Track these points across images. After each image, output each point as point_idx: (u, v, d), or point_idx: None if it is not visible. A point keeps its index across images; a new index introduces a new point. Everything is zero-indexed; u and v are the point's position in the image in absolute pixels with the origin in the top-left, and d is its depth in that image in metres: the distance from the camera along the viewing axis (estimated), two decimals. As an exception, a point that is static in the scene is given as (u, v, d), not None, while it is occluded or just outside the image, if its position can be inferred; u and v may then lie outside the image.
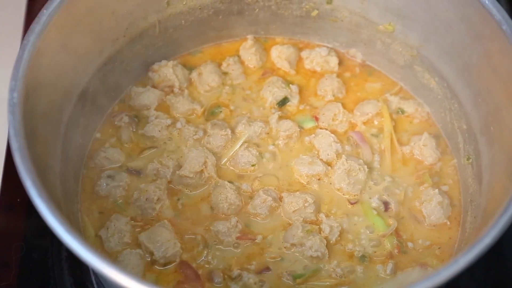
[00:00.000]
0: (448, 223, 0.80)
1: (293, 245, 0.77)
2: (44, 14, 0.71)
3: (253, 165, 0.83)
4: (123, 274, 0.57)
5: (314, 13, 0.89)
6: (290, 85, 0.89)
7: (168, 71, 0.88)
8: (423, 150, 0.84)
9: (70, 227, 0.59)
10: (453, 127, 0.84)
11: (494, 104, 0.75)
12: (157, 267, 0.76)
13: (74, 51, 0.77)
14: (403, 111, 0.88)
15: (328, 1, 0.87)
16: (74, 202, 0.80)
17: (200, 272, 0.76)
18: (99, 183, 0.81)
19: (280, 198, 0.81)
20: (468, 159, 0.82)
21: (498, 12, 0.72)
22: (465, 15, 0.76)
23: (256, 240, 0.79)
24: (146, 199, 0.80)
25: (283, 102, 0.88)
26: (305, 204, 0.79)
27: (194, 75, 0.90)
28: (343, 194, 0.82)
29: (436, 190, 0.80)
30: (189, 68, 0.91)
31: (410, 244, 0.79)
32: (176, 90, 0.89)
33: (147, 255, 0.77)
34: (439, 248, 0.79)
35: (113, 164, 0.84)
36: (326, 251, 0.77)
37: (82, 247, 0.59)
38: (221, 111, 0.89)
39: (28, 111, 0.67)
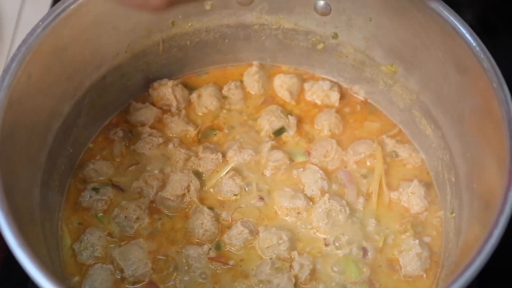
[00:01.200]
0: (425, 276, 0.79)
1: (260, 281, 0.77)
2: (39, 26, 0.73)
3: (235, 195, 0.83)
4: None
5: (320, 46, 0.89)
6: (289, 115, 0.89)
7: (167, 91, 0.89)
8: (411, 197, 0.82)
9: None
10: (443, 177, 0.83)
11: (479, 162, 0.74)
12: (126, 285, 0.77)
13: (69, 62, 0.79)
14: (397, 155, 0.87)
15: (334, 36, 0.87)
16: (55, 210, 0.81)
17: (167, 294, 0.78)
18: (83, 194, 0.83)
19: (257, 232, 0.81)
20: (452, 213, 0.80)
21: (492, 68, 0.71)
22: (461, 68, 0.75)
23: (229, 265, 0.79)
24: (125, 217, 0.81)
25: (279, 132, 0.89)
26: (279, 241, 0.79)
27: (193, 96, 0.91)
28: (320, 234, 0.81)
29: (417, 241, 0.79)
30: (192, 88, 0.92)
31: None
32: (173, 109, 0.90)
33: (117, 272, 0.78)
34: (413, 300, 0.78)
35: (101, 177, 0.85)
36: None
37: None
38: (215, 134, 0.89)
39: (11, 120, 0.69)
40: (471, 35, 0.73)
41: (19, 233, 0.62)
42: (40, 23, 0.73)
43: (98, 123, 0.88)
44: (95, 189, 0.83)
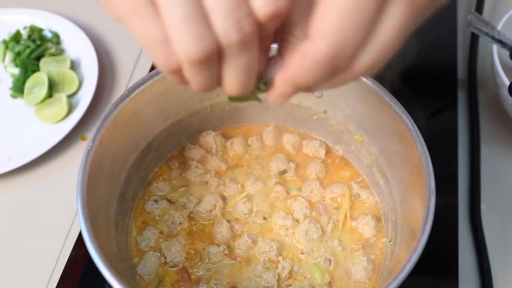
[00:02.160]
0: (367, 282, 0.77)
1: (254, 275, 0.77)
2: (126, 94, 0.75)
3: (245, 214, 0.83)
4: None
5: (315, 117, 0.88)
6: (291, 162, 0.88)
7: (210, 138, 0.89)
8: (365, 227, 0.81)
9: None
10: (388, 216, 0.81)
11: (410, 209, 0.73)
12: (167, 267, 0.78)
13: (145, 117, 0.80)
14: (359, 196, 0.85)
15: (324, 112, 0.86)
16: (127, 212, 0.82)
17: (192, 277, 0.78)
18: (147, 203, 0.84)
19: (257, 242, 0.80)
20: (390, 241, 0.79)
21: (422, 148, 0.70)
22: (403, 144, 0.74)
23: (236, 261, 0.79)
24: (172, 222, 0.81)
25: (283, 172, 0.88)
26: (270, 249, 0.78)
27: (228, 143, 0.91)
28: (299, 245, 0.80)
29: (365, 258, 0.77)
30: (227, 137, 0.92)
31: None
32: (213, 151, 0.90)
33: (162, 258, 0.78)
34: (358, 298, 0.77)
35: (160, 192, 0.86)
36: (276, 284, 0.76)
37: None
38: (239, 169, 0.89)
39: (99, 155, 0.71)
40: (411, 123, 0.72)
41: (93, 235, 0.64)
42: (127, 92, 0.75)
43: (163, 156, 0.89)
44: (156, 201, 0.84)
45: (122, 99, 0.75)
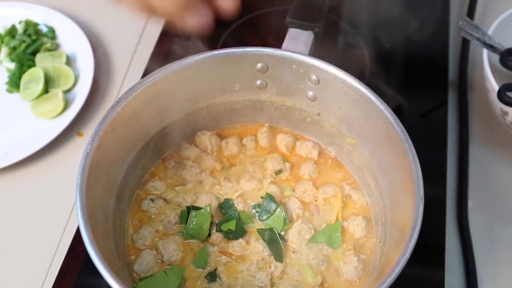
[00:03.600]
0: (358, 281, 0.79)
1: (248, 275, 0.79)
2: (123, 97, 0.77)
3: (238, 213, 0.85)
4: None
5: (309, 119, 0.90)
6: (286, 162, 0.90)
7: (205, 138, 0.91)
8: (356, 227, 0.83)
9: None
10: (378, 217, 0.83)
11: (400, 213, 0.75)
12: (163, 265, 0.80)
13: (142, 119, 0.82)
14: (351, 197, 0.87)
15: (318, 114, 0.88)
16: (124, 211, 0.84)
17: (189, 274, 0.80)
18: (144, 202, 0.86)
19: (250, 242, 0.82)
20: (379, 242, 0.81)
21: (412, 155, 0.72)
22: (394, 150, 0.76)
23: (232, 257, 0.81)
24: (168, 221, 0.83)
25: (278, 172, 0.89)
26: (264, 249, 0.81)
27: (223, 143, 0.92)
28: (291, 244, 0.82)
29: (356, 258, 0.80)
30: (222, 137, 0.93)
31: None
32: (208, 151, 0.91)
33: (159, 256, 0.80)
34: (348, 296, 0.79)
35: (156, 191, 0.87)
36: (269, 283, 0.78)
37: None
38: (232, 169, 0.90)
39: (97, 157, 0.73)
40: (402, 131, 0.74)
41: (91, 234, 0.66)
42: (124, 95, 0.77)
43: (159, 156, 0.90)
44: (152, 200, 0.86)
45: (119, 101, 0.76)
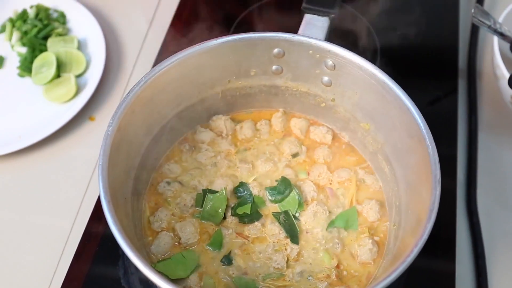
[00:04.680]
0: (372, 263, 0.81)
1: (264, 257, 0.80)
2: (142, 80, 0.77)
3: (255, 196, 0.86)
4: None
5: (323, 104, 0.91)
6: (302, 145, 0.91)
7: (220, 122, 0.92)
8: (369, 211, 0.84)
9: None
10: (392, 201, 0.84)
11: (415, 196, 0.77)
12: (181, 247, 0.81)
13: (159, 102, 0.82)
14: (364, 181, 0.88)
15: (332, 100, 0.89)
16: (141, 194, 0.85)
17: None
18: (160, 185, 0.86)
19: (266, 224, 0.83)
20: (394, 225, 0.82)
21: (429, 138, 0.73)
22: (410, 134, 0.77)
23: (249, 239, 0.82)
24: (184, 204, 0.84)
25: (295, 155, 0.90)
26: (280, 232, 0.82)
27: (237, 127, 0.93)
28: (307, 226, 0.83)
29: (370, 240, 0.81)
30: (237, 121, 0.94)
31: (344, 273, 0.80)
32: (223, 135, 0.92)
33: (176, 238, 0.81)
34: (362, 278, 0.80)
35: (172, 175, 0.88)
36: (285, 265, 0.79)
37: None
38: (247, 152, 0.91)
39: (117, 139, 0.73)
40: (419, 116, 0.75)
41: (114, 214, 0.67)
42: (143, 78, 0.77)
43: (175, 139, 0.91)
44: (168, 183, 0.87)
45: (139, 84, 0.77)
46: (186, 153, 0.90)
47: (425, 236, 0.66)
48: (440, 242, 0.88)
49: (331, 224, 0.83)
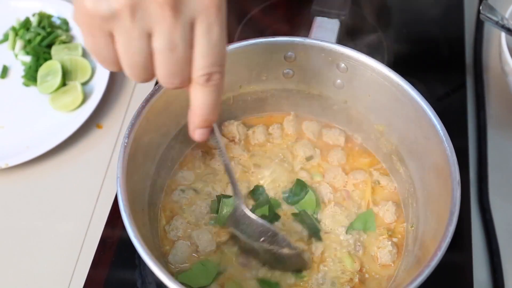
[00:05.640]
0: (392, 265, 0.80)
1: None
2: (156, 89, 0.76)
3: (271, 200, 0.86)
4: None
5: (335, 107, 0.90)
6: (315, 148, 0.91)
7: (233, 128, 0.91)
8: (386, 212, 0.84)
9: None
10: (408, 202, 0.84)
11: (433, 198, 0.77)
12: (199, 255, 0.80)
13: (173, 111, 0.81)
14: (379, 183, 0.88)
15: (344, 102, 0.88)
16: (157, 203, 0.84)
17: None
18: (175, 192, 0.86)
19: (286, 224, 0.83)
20: (411, 226, 0.82)
21: (446, 140, 0.73)
22: (426, 136, 0.77)
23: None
24: (200, 212, 0.84)
25: (309, 158, 0.90)
26: (302, 230, 0.82)
27: (250, 132, 0.92)
28: (326, 228, 0.83)
29: (390, 242, 0.81)
30: (249, 126, 0.93)
31: (366, 276, 0.80)
32: (236, 140, 0.92)
33: (193, 247, 0.80)
34: (383, 280, 0.80)
35: (186, 182, 0.87)
36: (311, 262, 0.79)
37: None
38: (260, 156, 0.91)
39: (133, 150, 0.72)
40: (435, 117, 0.75)
41: (135, 228, 0.66)
42: (157, 87, 0.76)
43: (188, 146, 0.90)
44: (182, 190, 0.86)
45: (153, 94, 0.76)
46: (199, 160, 0.89)
47: (448, 239, 0.66)
48: (457, 239, 0.87)
49: (350, 227, 0.83)
